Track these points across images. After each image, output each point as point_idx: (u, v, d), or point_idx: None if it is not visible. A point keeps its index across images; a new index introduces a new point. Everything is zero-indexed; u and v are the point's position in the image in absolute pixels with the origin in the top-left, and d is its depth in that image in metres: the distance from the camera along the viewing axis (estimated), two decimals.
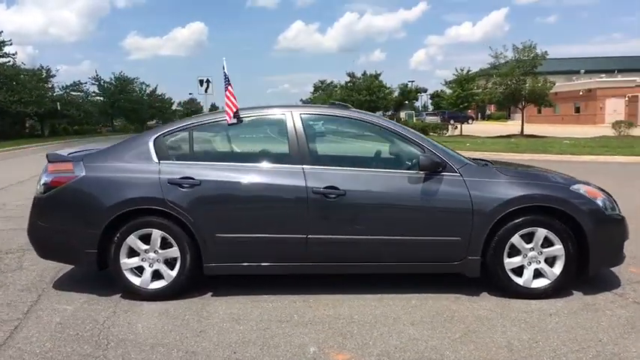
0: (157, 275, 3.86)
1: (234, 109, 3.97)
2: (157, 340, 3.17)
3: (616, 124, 26.07)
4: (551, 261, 3.81)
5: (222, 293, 3.94)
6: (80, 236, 3.81)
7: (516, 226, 3.74)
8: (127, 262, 3.83)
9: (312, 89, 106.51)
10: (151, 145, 3.96)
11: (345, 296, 3.86)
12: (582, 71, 49.77)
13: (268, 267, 3.86)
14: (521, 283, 3.80)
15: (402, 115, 55.57)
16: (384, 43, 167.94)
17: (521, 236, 3.76)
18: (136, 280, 3.84)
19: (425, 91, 56.70)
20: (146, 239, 3.82)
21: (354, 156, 4.42)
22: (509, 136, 26.50)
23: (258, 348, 3.05)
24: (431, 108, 67.39)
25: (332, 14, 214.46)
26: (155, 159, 3.90)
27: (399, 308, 3.65)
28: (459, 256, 3.78)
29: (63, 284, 4.22)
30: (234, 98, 3.98)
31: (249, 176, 3.84)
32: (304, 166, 3.82)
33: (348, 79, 43.25)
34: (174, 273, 3.82)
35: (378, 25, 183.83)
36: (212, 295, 3.92)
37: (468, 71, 30.48)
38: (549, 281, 3.80)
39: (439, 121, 41.05)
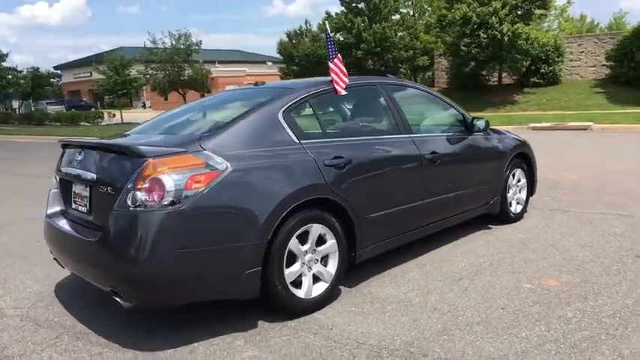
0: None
1: (347, 80, 3.58)
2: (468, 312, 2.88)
3: None
4: (521, 191, 5.28)
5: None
6: (241, 253, 2.74)
7: (511, 169, 5.00)
8: (291, 273, 3.02)
9: None
10: (282, 121, 3.13)
11: (428, 256, 4.17)
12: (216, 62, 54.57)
13: (402, 238, 3.81)
14: (513, 211, 5.13)
15: (15, 104, 47.10)
16: None
17: (512, 175, 5.07)
18: (299, 293, 3.07)
19: (60, 76, 49.81)
20: (302, 238, 3.09)
21: (424, 122, 4.59)
22: None
23: (504, 299, 3.25)
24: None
25: None
26: (295, 138, 3.14)
27: (483, 251, 4.27)
28: (492, 198, 4.76)
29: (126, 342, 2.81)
30: (345, 68, 3.58)
31: (384, 150, 3.66)
32: (411, 135, 3.91)
33: None
34: (333, 270, 3.26)
35: None
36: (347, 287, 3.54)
37: (123, 56, 29.15)
38: (522, 206, 5.27)
39: (64, 110, 39.90)
